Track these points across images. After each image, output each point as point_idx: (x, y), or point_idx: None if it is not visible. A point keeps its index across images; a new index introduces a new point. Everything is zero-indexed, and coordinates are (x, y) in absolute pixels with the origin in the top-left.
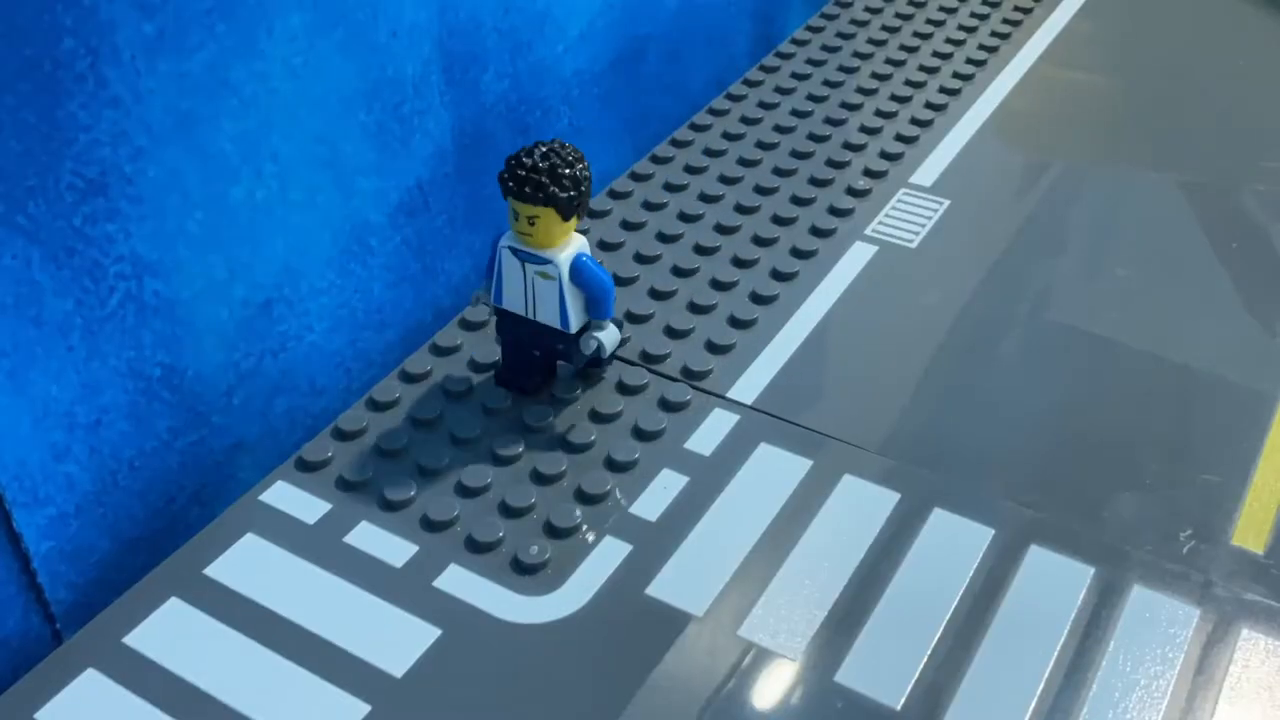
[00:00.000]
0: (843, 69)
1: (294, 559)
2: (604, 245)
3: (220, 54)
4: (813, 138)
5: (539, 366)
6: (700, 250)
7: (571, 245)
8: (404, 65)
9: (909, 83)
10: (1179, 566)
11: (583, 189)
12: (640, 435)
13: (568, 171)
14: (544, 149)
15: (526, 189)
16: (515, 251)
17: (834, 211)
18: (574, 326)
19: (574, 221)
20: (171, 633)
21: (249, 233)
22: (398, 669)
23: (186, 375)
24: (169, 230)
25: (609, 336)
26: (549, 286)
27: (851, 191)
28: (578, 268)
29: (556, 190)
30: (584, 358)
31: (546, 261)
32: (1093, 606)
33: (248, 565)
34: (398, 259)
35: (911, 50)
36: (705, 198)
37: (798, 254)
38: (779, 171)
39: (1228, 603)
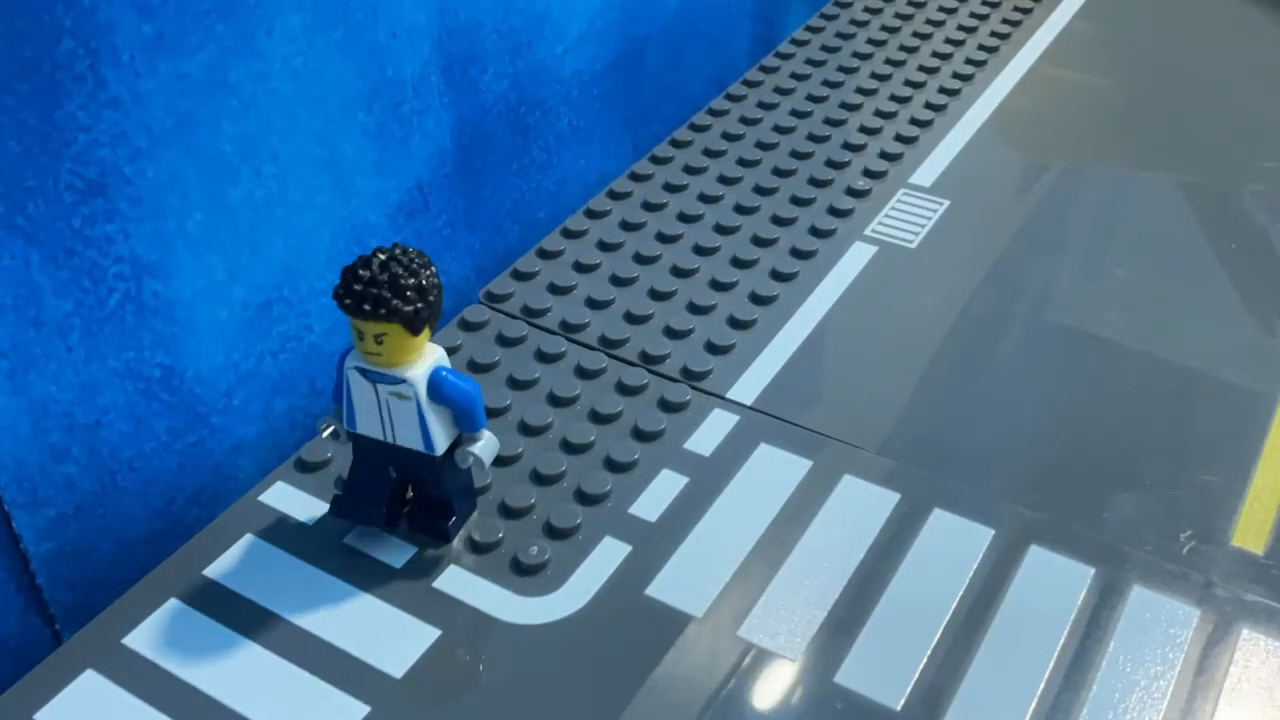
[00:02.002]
0: (842, 69)
1: (293, 560)
2: (604, 245)
3: (220, 55)
4: (812, 138)
5: (392, 490)
6: (700, 250)
7: (427, 359)
8: (403, 66)
9: (909, 83)
10: (1179, 567)
11: (431, 299)
12: (640, 435)
13: (411, 281)
14: (383, 258)
15: (366, 305)
16: (364, 372)
17: (834, 212)
18: (439, 448)
19: (426, 334)
20: (170, 633)
21: (248, 233)
22: (398, 669)
23: (186, 376)
24: (168, 231)
25: (486, 448)
26: (406, 408)
27: (851, 192)
28: (436, 384)
29: (400, 304)
30: (461, 476)
31: (400, 381)
32: (1093, 606)
33: (247, 566)
34: None
35: (911, 51)
36: (705, 198)
37: (797, 254)
38: (778, 172)
39: (1228, 603)
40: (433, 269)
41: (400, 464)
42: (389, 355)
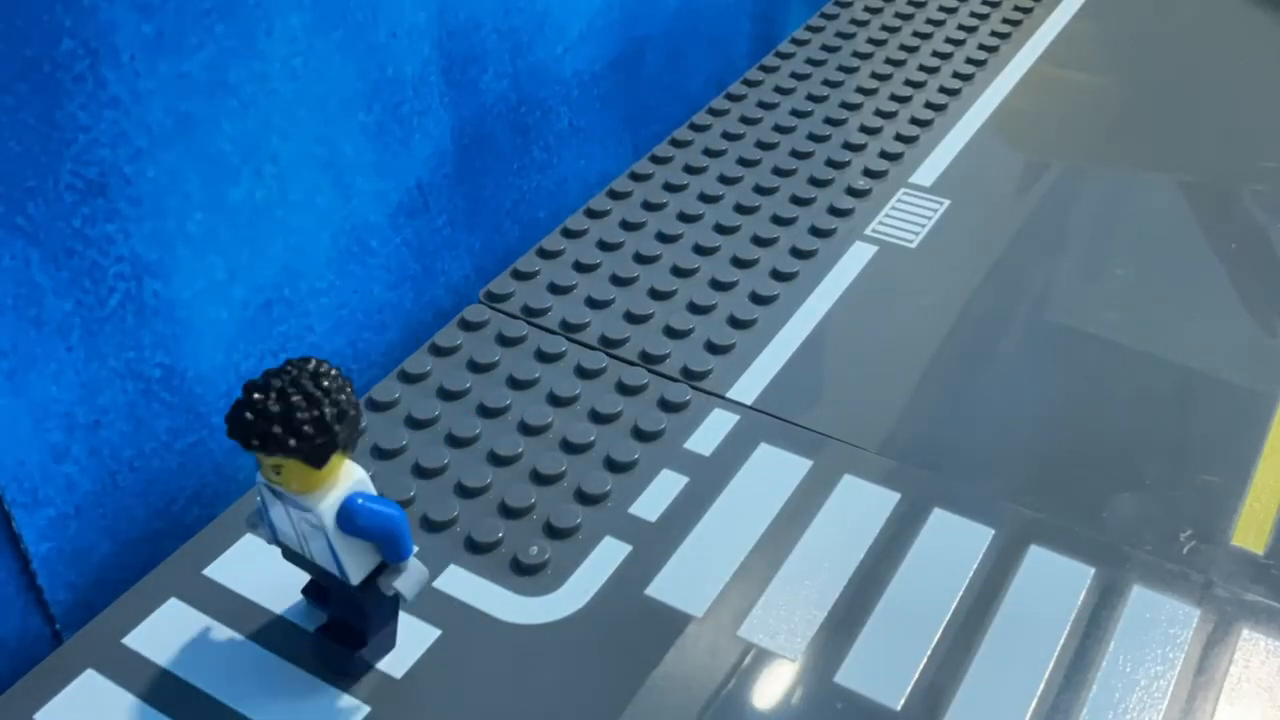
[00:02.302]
0: (843, 69)
1: None
2: (604, 245)
3: (219, 55)
4: (812, 138)
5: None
6: (700, 250)
7: (339, 486)
8: (403, 66)
9: (909, 83)
10: (1179, 566)
11: (336, 428)
12: (640, 435)
13: (312, 414)
14: (279, 384)
15: (253, 440)
16: (274, 491)
17: (834, 211)
18: (355, 578)
19: (338, 459)
20: (171, 633)
21: (249, 233)
22: (398, 669)
23: (186, 376)
24: (168, 231)
25: (411, 580)
26: (316, 535)
27: (851, 191)
28: (348, 514)
29: (295, 441)
30: (384, 603)
31: (306, 510)
32: (1093, 606)
33: (247, 565)
34: (397, 260)
35: (911, 50)
36: (705, 198)
37: (797, 254)
38: (779, 171)
39: (1228, 603)
40: (347, 391)
41: (324, 577)
42: (290, 485)
